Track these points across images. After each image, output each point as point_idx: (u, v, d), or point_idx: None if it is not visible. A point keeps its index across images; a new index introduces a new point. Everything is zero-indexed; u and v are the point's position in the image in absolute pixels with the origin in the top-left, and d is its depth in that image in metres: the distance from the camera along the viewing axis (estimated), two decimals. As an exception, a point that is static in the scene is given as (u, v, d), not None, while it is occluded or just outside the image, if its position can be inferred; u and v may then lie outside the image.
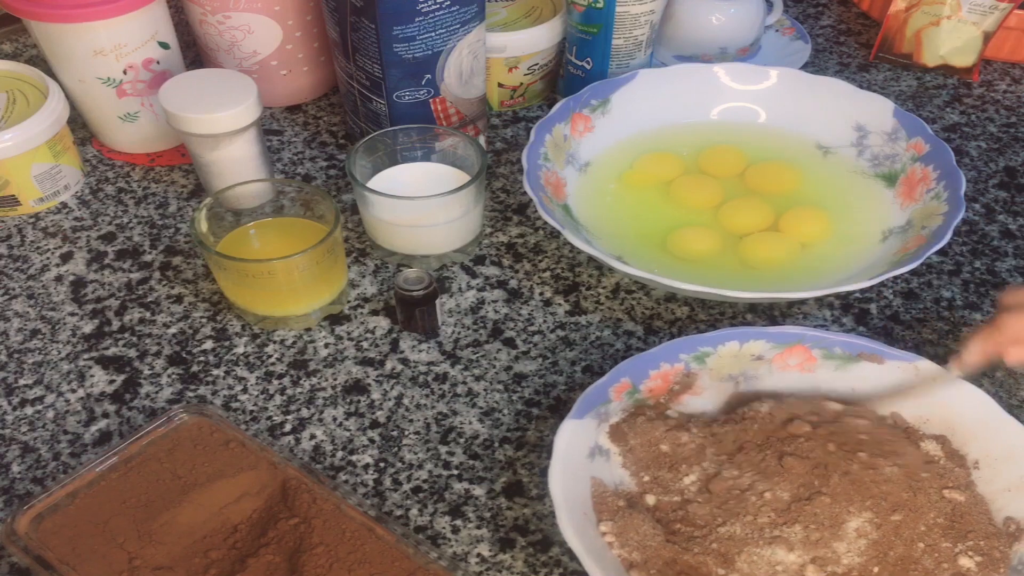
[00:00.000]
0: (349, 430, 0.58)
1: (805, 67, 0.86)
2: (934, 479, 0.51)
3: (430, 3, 0.64)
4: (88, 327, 0.64)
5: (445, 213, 0.65)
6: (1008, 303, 0.53)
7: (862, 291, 0.67)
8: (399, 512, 0.53)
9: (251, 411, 0.59)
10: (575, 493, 0.51)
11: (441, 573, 0.47)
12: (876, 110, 0.73)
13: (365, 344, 0.63)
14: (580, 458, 0.52)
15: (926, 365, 0.56)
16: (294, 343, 0.63)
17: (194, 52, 0.84)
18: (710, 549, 0.49)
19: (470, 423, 0.58)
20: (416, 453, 0.56)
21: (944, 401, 0.55)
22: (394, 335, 0.63)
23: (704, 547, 0.49)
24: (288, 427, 0.58)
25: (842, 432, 0.53)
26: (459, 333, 0.63)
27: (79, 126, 0.78)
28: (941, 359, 0.57)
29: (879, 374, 0.57)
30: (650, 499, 0.52)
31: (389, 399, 0.59)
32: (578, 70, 0.80)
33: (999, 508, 0.51)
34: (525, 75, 0.81)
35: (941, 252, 0.70)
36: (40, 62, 0.79)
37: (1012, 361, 0.52)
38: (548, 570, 0.51)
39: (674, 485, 0.52)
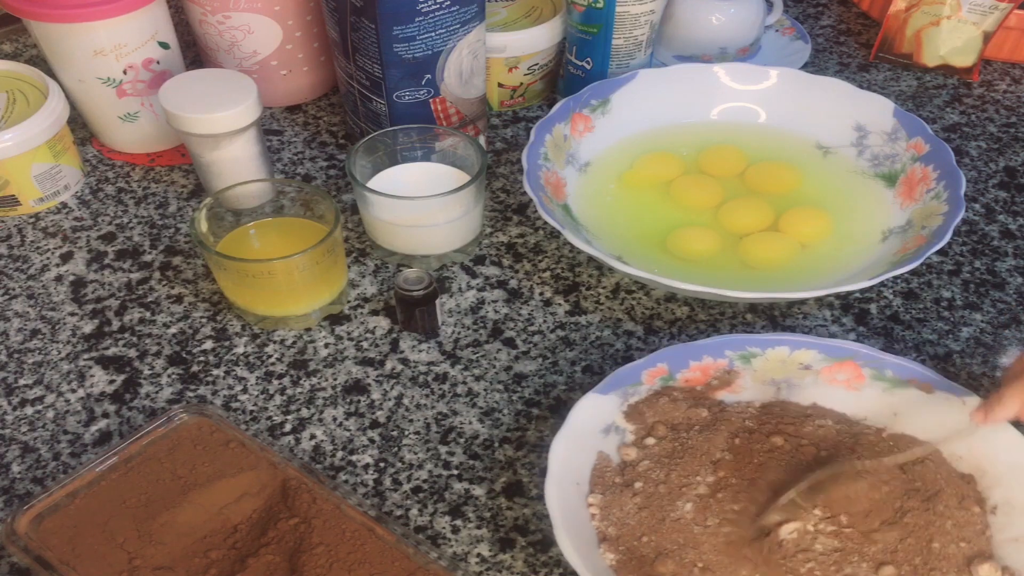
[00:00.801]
0: (349, 430, 0.58)
1: (805, 67, 0.86)
2: (955, 529, 0.50)
3: (430, 3, 0.64)
4: (88, 327, 0.64)
5: (445, 213, 0.65)
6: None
7: (862, 291, 0.67)
8: (399, 512, 0.53)
9: (251, 411, 0.59)
10: (577, 462, 0.52)
11: (441, 573, 0.47)
12: (876, 110, 0.73)
13: (365, 344, 0.63)
14: (594, 431, 0.53)
15: (973, 401, 0.54)
16: (294, 343, 0.63)
17: (194, 52, 0.84)
18: (686, 561, 0.49)
19: (470, 423, 0.58)
20: (416, 453, 0.56)
21: (980, 440, 0.53)
22: (394, 335, 0.63)
23: (679, 560, 0.49)
24: (288, 427, 0.58)
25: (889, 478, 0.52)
26: (459, 333, 0.63)
27: (79, 126, 0.78)
28: (983, 393, 0.57)
29: (925, 402, 0.56)
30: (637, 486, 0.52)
31: (389, 399, 0.59)
32: (578, 70, 0.80)
33: (1000, 556, 0.50)
34: (525, 75, 0.81)
35: (941, 252, 0.70)
36: (40, 62, 0.79)
37: None
38: (548, 570, 0.51)
39: (677, 487, 0.52)
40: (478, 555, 0.51)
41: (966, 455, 0.54)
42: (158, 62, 0.73)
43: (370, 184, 0.67)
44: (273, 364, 0.61)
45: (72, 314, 0.65)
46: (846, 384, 0.57)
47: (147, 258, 0.69)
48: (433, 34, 0.67)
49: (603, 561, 0.49)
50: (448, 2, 0.65)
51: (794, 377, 0.57)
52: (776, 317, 0.65)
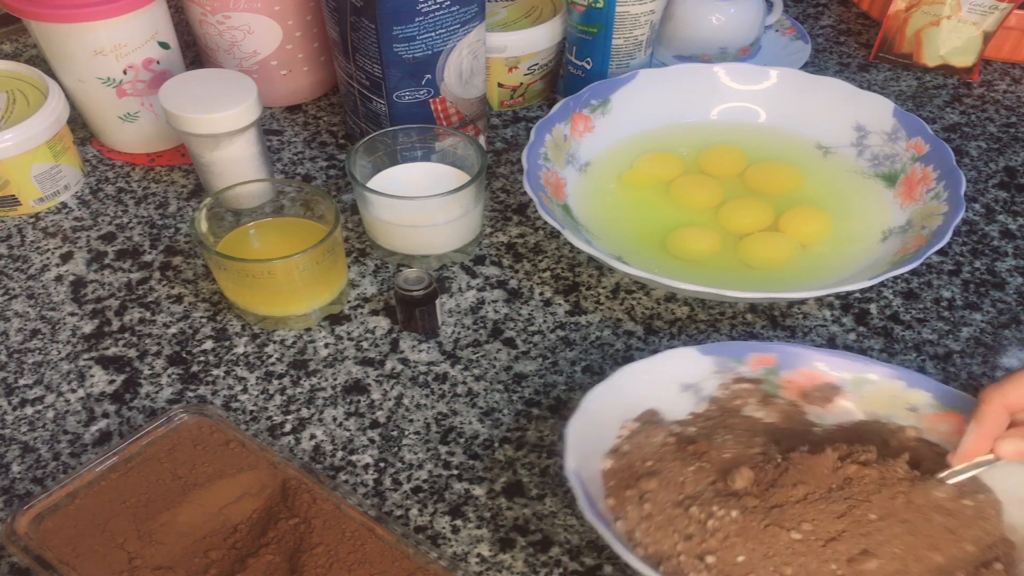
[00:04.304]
0: (349, 430, 0.58)
1: (805, 67, 0.86)
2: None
3: (430, 3, 0.64)
4: (88, 327, 0.64)
5: (445, 213, 0.65)
6: (987, 399, 0.50)
7: (862, 291, 0.67)
8: (399, 512, 0.53)
9: (251, 411, 0.59)
10: (641, 391, 0.54)
11: (441, 573, 0.47)
12: (876, 110, 0.73)
13: (365, 344, 0.63)
14: (674, 380, 0.55)
15: None
16: (294, 343, 0.63)
17: (194, 52, 0.84)
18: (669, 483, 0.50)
19: (470, 423, 0.58)
20: (416, 453, 0.56)
21: None
22: (394, 335, 0.63)
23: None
24: (288, 427, 0.58)
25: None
26: (459, 333, 0.63)
27: (79, 126, 0.78)
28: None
29: (1013, 471, 0.52)
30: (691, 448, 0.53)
31: (389, 399, 0.59)
32: (578, 70, 0.80)
33: None
34: (525, 75, 0.81)
35: (941, 252, 0.70)
36: (40, 62, 0.79)
37: (1004, 455, 0.50)
38: (548, 570, 0.51)
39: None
40: (478, 555, 0.51)
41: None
42: (158, 62, 0.73)
43: (370, 184, 0.67)
44: (273, 364, 0.61)
45: (72, 314, 0.65)
46: (944, 437, 0.54)
47: (147, 258, 0.69)
48: (433, 34, 0.67)
49: (598, 464, 0.51)
50: (448, 2, 0.65)
51: (896, 416, 0.55)
52: (776, 317, 0.65)
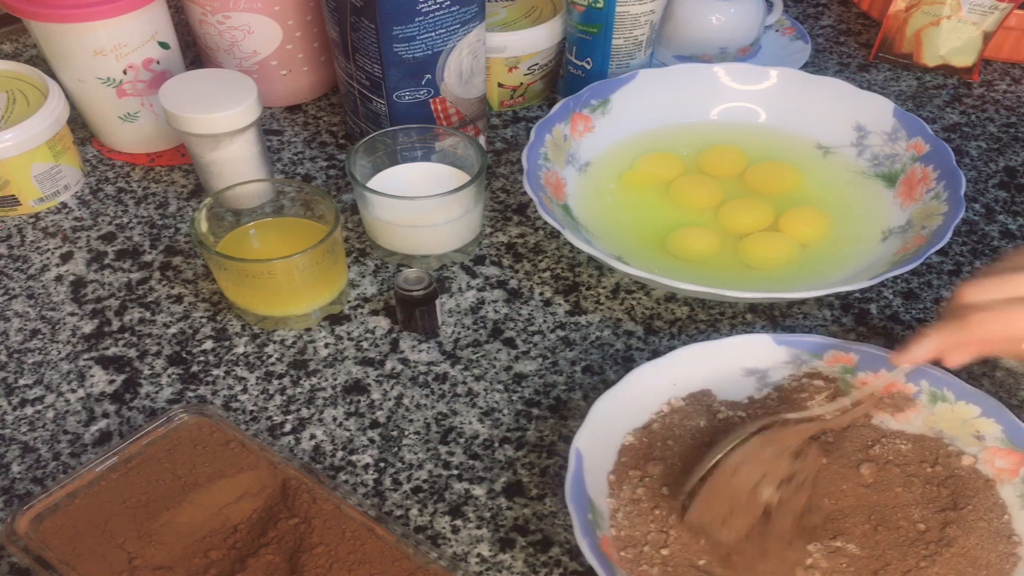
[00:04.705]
0: (349, 430, 0.58)
1: (805, 67, 0.86)
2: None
3: (430, 3, 0.64)
4: (88, 327, 0.64)
5: (445, 213, 0.65)
6: (965, 301, 0.48)
7: (862, 291, 0.67)
8: (399, 512, 0.53)
9: (251, 411, 0.59)
10: (700, 368, 0.56)
11: (441, 573, 0.47)
12: (876, 110, 0.73)
13: (365, 344, 0.63)
14: (734, 366, 0.57)
15: None
16: (294, 343, 0.63)
17: (194, 52, 0.84)
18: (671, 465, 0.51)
19: (470, 423, 0.58)
20: (416, 453, 0.56)
21: None
22: (394, 335, 0.63)
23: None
24: (288, 427, 0.58)
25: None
26: (459, 333, 0.63)
27: (79, 126, 0.78)
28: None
29: None
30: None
31: (389, 399, 0.59)
32: (578, 70, 0.80)
33: None
34: (525, 75, 0.81)
35: (941, 252, 0.70)
36: (40, 62, 0.79)
37: (951, 364, 0.49)
38: (548, 570, 0.51)
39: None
40: (478, 555, 0.51)
41: None
42: (158, 62, 0.73)
43: (370, 184, 0.67)
44: (273, 364, 0.61)
45: (72, 314, 0.65)
46: (997, 473, 0.53)
47: (147, 258, 0.69)
48: (433, 34, 0.67)
49: (619, 438, 0.53)
50: (448, 2, 0.65)
51: (960, 439, 0.54)
52: (776, 317, 0.65)
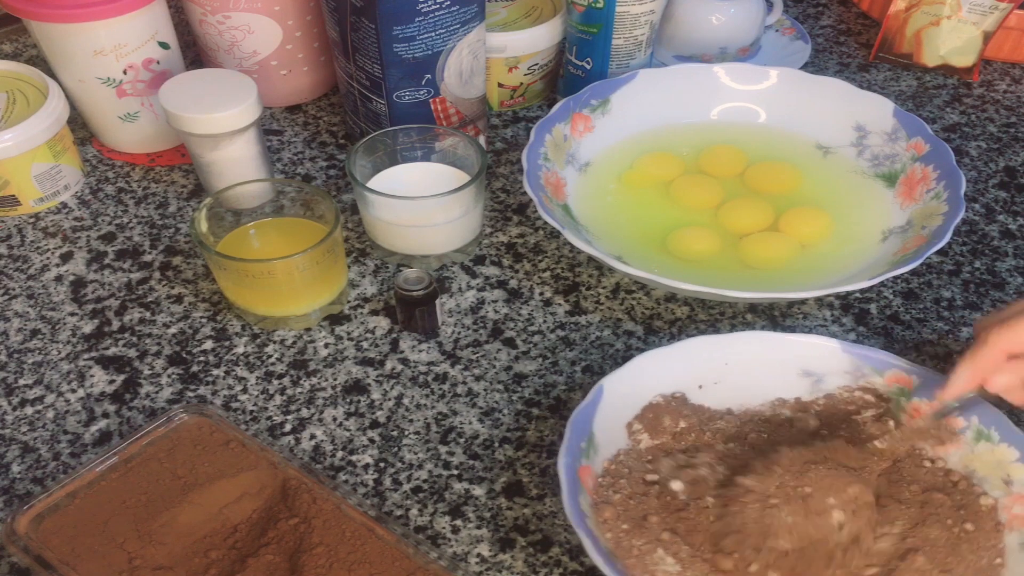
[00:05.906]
0: (349, 430, 0.58)
1: (805, 67, 0.86)
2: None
3: (430, 3, 0.64)
4: (88, 327, 0.64)
5: (445, 213, 0.65)
6: (982, 326, 0.51)
7: (862, 291, 0.67)
8: (399, 512, 0.53)
9: (251, 411, 0.59)
10: (720, 353, 0.56)
11: (441, 573, 0.47)
12: (876, 110, 0.73)
13: (365, 344, 0.63)
14: (792, 363, 0.56)
15: None
16: (294, 343, 0.63)
17: (194, 52, 0.84)
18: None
19: (470, 423, 0.58)
20: (416, 453, 0.56)
21: None
22: (394, 335, 0.63)
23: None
24: (288, 427, 0.58)
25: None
26: (459, 333, 0.63)
27: (79, 126, 0.78)
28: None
29: None
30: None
31: (389, 399, 0.59)
32: (578, 70, 0.80)
33: None
34: (525, 75, 0.81)
35: (941, 252, 0.70)
36: (40, 62, 0.79)
37: (995, 388, 0.50)
38: (548, 570, 0.51)
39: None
40: (478, 555, 0.51)
41: None
42: (158, 62, 0.73)
43: (370, 184, 0.67)
44: (273, 364, 0.61)
45: (72, 314, 0.65)
46: (1010, 520, 0.51)
47: (147, 258, 0.69)
48: (433, 34, 0.67)
49: (649, 394, 0.54)
50: (448, 2, 0.65)
51: (988, 481, 0.52)
52: (776, 317, 0.65)
